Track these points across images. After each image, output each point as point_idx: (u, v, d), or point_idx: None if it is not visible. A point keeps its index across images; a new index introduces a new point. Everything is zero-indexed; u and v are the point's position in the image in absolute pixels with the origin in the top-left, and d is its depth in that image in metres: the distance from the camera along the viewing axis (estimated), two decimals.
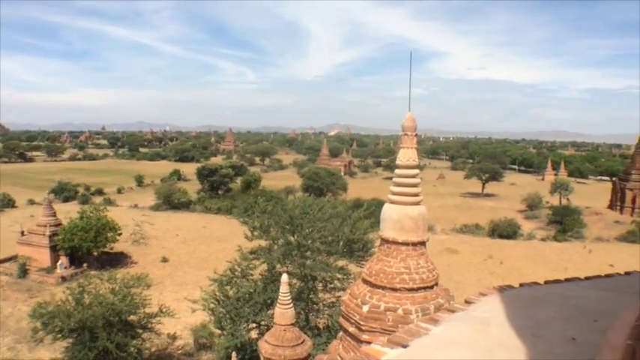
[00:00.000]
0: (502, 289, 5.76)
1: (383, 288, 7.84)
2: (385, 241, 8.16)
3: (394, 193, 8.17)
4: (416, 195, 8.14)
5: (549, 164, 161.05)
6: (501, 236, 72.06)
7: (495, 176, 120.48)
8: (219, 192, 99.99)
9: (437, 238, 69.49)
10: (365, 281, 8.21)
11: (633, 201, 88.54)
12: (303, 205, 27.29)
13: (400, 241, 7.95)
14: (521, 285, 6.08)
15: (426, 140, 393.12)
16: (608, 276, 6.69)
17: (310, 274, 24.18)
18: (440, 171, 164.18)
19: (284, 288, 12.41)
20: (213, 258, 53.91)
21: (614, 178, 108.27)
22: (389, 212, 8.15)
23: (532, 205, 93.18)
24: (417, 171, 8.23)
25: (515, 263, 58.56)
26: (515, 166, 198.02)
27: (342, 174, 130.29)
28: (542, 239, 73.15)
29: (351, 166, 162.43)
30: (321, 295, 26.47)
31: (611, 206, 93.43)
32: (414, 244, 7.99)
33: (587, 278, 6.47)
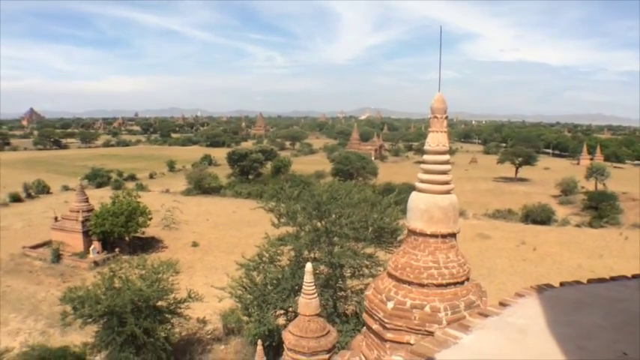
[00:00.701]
0: (541, 290, 5.17)
1: (409, 283, 7.26)
2: (412, 232, 7.54)
3: (422, 181, 7.54)
4: (446, 183, 7.51)
5: (585, 148, 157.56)
6: (535, 222, 70.79)
7: (529, 160, 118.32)
8: (250, 177, 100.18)
9: (469, 223, 68.59)
10: (390, 275, 7.63)
11: None
12: (331, 190, 26.79)
13: (428, 232, 7.34)
14: (561, 284, 5.47)
15: (457, 124, 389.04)
16: None
17: (338, 262, 23.76)
18: (472, 155, 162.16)
19: (308, 277, 11.95)
20: (242, 243, 53.97)
21: None
22: (416, 201, 7.53)
23: (567, 190, 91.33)
24: (447, 157, 7.60)
25: (549, 250, 57.46)
26: (550, 151, 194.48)
27: (373, 158, 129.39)
28: (577, 225, 71.60)
29: (381, 150, 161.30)
30: (349, 281, 26.07)
31: None
32: (444, 236, 7.38)
33: (634, 277, 5.83)
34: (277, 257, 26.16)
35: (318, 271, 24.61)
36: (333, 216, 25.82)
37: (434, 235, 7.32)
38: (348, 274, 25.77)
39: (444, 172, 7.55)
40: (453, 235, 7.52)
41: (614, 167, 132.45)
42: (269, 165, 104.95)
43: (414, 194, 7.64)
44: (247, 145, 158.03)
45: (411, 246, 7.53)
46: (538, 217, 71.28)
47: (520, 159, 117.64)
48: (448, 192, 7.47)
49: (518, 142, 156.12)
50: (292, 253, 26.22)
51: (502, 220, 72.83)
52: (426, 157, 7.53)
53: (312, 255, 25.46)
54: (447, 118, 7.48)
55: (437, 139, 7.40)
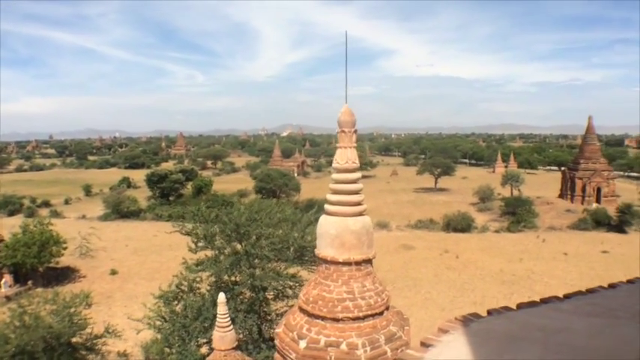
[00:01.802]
0: (467, 322, 4.53)
1: (323, 318, 6.50)
2: (323, 260, 6.78)
3: (331, 203, 6.84)
4: (358, 204, 6.82)
5: (499, 157, 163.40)
6: (456, 230, 72.17)
7: (447, 171, 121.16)
8: (170, 198, 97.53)
9: (392, 234, 69.17)
10: (302, 310, 6.83)
11: (583, 189, 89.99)
12: (250, 211, 25.82)
13: (341, 260, 6.60)
14: (489, 313, 4.87)
15: (378, 137, 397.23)
16: (590, 291, 5.57)
17: (260, 285, 22.83)
18: (393, 167, 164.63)
19: (221, 309, 11.05)
20: (164, 268, 52.16)
21: (563, 168, 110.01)
22: (326, 226, 6.81)
23: (484, 197, 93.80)
24: (358, 175, 6.89)
25: (471, 256, 58.58)
26: (466, 160, 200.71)
27: (295, 174, 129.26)
28: (496, 231, 73.61)
29: (304, 166, 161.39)
30: (273, 304, 25.17)
31: (561, 195, 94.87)
32: (358, 264, 6.66)
33: (566, 297, 5.32)
34: (196, 285, 24.90)
35: (241, 295, 23.63)
36: (253, 237, 24.86)
37: (347, 263, 6.59)
38: (272, 297, 24.88)
39: (355, 192, 6.85)
40: (369, 261, 6.80)
41: (528, 173, 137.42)
42: (190, 185, 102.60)
43: (322, 218, 6.91)
44: (168, 165, 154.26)
45: (322, 276, 6.75)
46: (459, 225, 72.71)
47: (439, 169, 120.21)
48: (360, 214, 6.77)
49: (436, 154, 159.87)
50: (212, 279, 25.05)
51: (425, 230, 73.80)
52: (334, 176, 6.78)
53: (232, 279, 24.41)
54: (355, 132, 6.76)
55: (345, 156, 6.65)
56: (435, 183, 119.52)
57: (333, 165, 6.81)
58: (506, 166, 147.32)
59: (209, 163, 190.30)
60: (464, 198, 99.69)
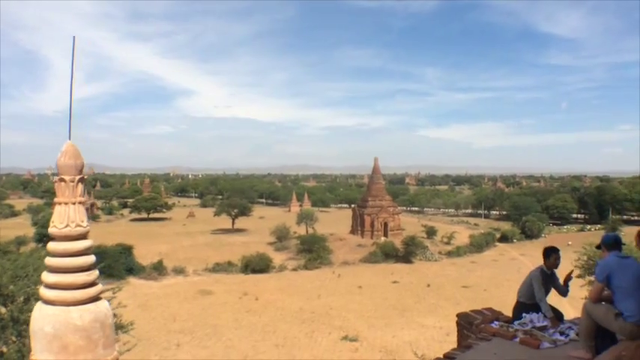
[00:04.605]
0: None
1: None
2: None
3: (48, 286, 4.61)
4: (88, 285, 4.69)
5: (294, 196, 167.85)
6: (254, 271, 71.58)
7: (244, 211, 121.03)
8: None
9: (189, 280, 66.62)
10: None
11: (372, 225, 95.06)
12: (15, 267, 22.15)
13: None
14: None
15: (174, 178, 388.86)
16: None
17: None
18: (190, 209, 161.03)
19: None
20: None
21: (353, 205, 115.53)
22: (40, 321, 4.54)
23: (281, 236, 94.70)
24: (86, 243, 4.80)
25: (270, 297, 57.97)
26: (263, 200, 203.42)
27: None
28: (294, 269, 74.45)
29: (93, 209, 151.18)
30: None
31: (352, 231, 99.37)
32: None
33: None
34: None
35: None
36: (21, 299, 21.27)
37: None
38: None
39: (84, 269, 4.72)
40: None
41: (321, 211, 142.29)
42: None
43: (36, 309, 4.72)
44: None
45: None
46: (257, 265, 72.30)
47: (236, 210, 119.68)
48: (93, 299, 4.73)
49: (233, 194, 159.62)
50: None
51: (223, 273, 72.04)
52: (50, 246, 4.65)
53: None
54: (82, 180, 4.74)
55: (66, 216, 4.61)
56: (233, 224, 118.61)
57: (50, 230, 4.70)
58: (301, 205, 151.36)
59: None
60: (261, 238, 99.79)
